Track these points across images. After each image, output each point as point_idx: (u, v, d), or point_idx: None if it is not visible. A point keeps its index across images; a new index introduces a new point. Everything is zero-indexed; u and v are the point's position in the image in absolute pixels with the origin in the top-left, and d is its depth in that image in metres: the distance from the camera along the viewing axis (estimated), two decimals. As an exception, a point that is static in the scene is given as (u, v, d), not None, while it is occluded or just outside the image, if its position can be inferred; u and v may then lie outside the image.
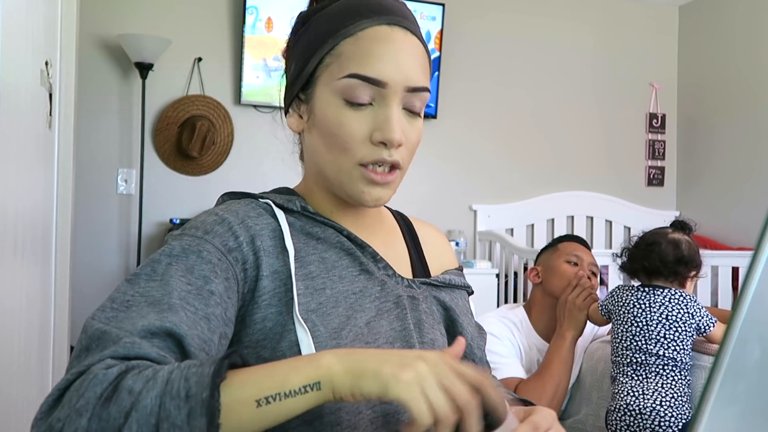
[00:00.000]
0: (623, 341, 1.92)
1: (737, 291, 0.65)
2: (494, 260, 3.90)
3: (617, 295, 2.00)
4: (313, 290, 0.82)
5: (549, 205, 4.33)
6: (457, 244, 3.78)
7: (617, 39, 4.48)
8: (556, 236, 2.94)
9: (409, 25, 0.85)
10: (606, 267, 3.42)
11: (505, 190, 4.26)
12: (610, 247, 4.40)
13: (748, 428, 0.50)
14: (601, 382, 2.18)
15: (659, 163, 4.57)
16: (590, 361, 2.24)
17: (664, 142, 4.57)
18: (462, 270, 1.02)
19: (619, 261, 2.09)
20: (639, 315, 1.91)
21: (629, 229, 4.49)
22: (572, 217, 4.40)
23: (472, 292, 1.02)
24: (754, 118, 4.02)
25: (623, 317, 1.95)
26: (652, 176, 4.56)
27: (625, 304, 1.95)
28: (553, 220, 4.35)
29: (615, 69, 4.47)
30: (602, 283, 3.54)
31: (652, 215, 4.50)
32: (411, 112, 0.85)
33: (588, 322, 2.12)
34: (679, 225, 2.05)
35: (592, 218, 4.43)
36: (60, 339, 2.17)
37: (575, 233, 4.35)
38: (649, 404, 1.82)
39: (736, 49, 4.15)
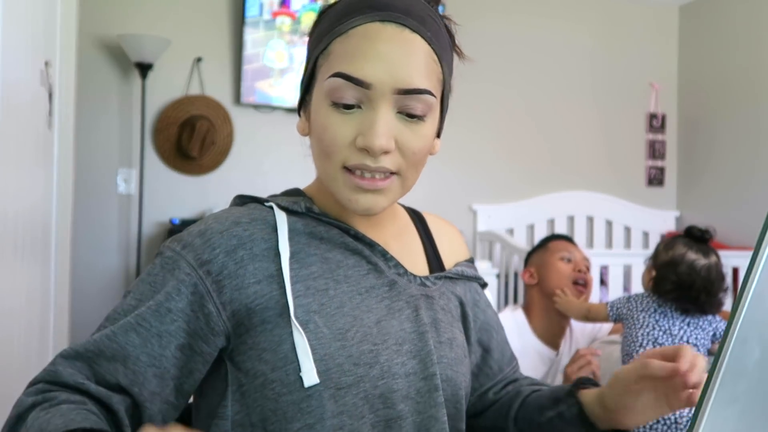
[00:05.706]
0: (643, 344, 1.80)
1: (737, 291, 0.65)
2: (494, 260, 3.89)
3: (634, 301, 1.90)
4: (315, 290, 0.80)
5: (549, 205, 4.32)
6: (457, 244, 3.77)
7: (617, 39, 4.48)
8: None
9: (409, 22, 0.78)
10: (606, 267, 3.42)
11: (505, 190, 4.26)
12: (611, 247, 4.40)
13: (748, 428, 0.50)
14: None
15: (659, 163, 4.57)
16: (590, 361, 2.24)
17: (664, 142, 4.57)
18: (473, 261, 1.01)
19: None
20: (660, 320, 1.82)
21: (629, 229, 4.49)
22: (572, 217, 4.40)
23: (485, 285, 1.00)
24: (754, 118, 4.02)
25: (641, 321, 1.84)
26: (652, 176, 4.55)
27: (643, 310, 1.86)
28: (553, 220, 4.34)
29: (615, 69, 4.47)
30: (603, 283, 3.54)
31: (652, 215, 4.51)
32: (410, 116, 0.79)
33: (587, 322, 2.13)
34: (694, 234, 1.86)
35: (592, 218, 4.43)
36: (60, 339, 2.17)
37: (575, 233, 4.35)
38: (685, 412, 1.66)
39: (737, 49, 4.15)
